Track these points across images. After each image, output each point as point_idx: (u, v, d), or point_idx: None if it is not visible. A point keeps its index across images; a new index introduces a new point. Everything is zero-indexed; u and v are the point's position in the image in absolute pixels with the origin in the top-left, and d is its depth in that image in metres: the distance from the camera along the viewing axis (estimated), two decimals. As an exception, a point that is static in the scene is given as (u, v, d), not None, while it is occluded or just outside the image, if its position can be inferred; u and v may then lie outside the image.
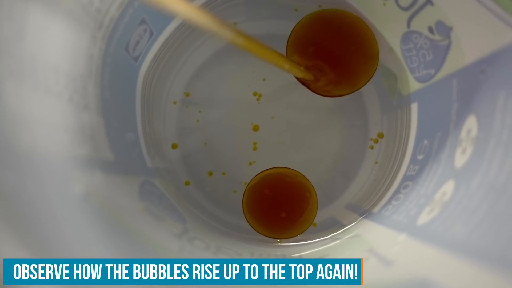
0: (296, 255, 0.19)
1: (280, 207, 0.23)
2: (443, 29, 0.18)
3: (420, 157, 0.20)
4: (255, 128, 0.24)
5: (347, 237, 0.21)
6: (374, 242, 0.17)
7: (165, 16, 0.21)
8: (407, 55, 0.21)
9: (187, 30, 0.23)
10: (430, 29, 0.19)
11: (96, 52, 0.17)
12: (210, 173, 0.24)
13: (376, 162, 0.24)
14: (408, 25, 0.20)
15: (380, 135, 0.24)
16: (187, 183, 0.24)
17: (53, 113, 0.13)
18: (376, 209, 0.21)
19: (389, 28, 0.22)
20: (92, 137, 0.15)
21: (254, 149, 0.24)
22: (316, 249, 0.20)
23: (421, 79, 0.21)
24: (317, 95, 0.24)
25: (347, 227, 0.22)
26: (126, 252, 0.12)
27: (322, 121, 0.24)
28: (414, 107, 0.22)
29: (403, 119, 0.23)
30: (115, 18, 0.17)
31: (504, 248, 0.11)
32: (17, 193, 0.10)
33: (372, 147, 0.24)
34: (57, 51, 0.14)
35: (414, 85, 0.21)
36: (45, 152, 0.12)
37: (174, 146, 0.24)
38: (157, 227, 0.16)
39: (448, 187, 0.16)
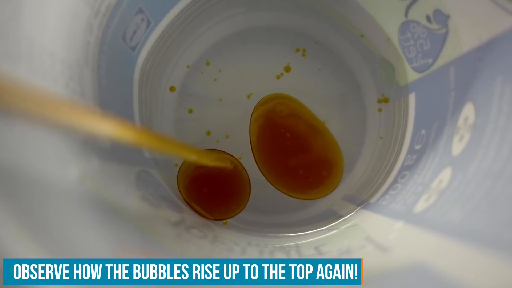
0: (292, 244, 0.19)
1: (208, 184, 0.23)
2: (440, 17, 0.18)
3: (417, 147, 0.20)
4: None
5: (344, 227, 0.21)
6: (371, 230, 0.17)
7: (163, 6, 0.21)
8: (404, 45, 0.21)
9: (185, 20, 0.23)
10: (428, 18, 0.19)
11: (92, 40, 0.17)
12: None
13: (370, 147, 0.24)
14: (406, 14, 0.20)
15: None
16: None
17: (49, 98, 0.13)
18: (373, 199, 0.21)
19: (386, 18, 0.22)
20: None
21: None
22: (313, 239, 0.20)
23: (419, 69, 0.21)
24: (315, 85, 0.24)
25: (344, 217, 0.22)
26: (122, 237, 0.12)
27: (321, 113, 0.24)
28: (412, 97, 0.22)
29: (401, 110, 0.23)
30: (111, 6, 0.17)
31: (500, 231, 0.11)
32: (11, 175, 0.10)
33: (370, 139, 0.24)
34: (53, 36, 0.14)
35: (412, 75, 0.21)
36: (39, 135, 0.12)
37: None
38: (153, 214, 0.16)
39: (445, 174, 0.16)
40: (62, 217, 0.11)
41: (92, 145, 0.15)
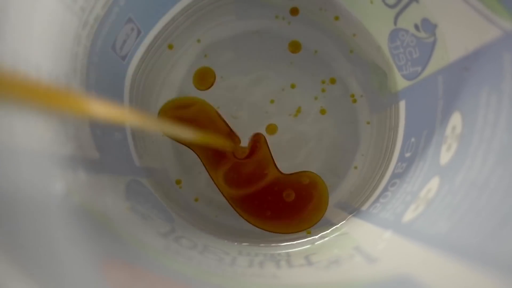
0: (283, 253, 0.19)
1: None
2: (428, 26, 0.18)
3: (407, 155, 0.20)
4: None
5: (335, 235, 0.21)
6: (361, 239, 0.17)
7: (153, 15, 0.21)
8: (394, 53, 0.21)
9: (177, 29, 0.23)
10: (416, 27, 0.19)
11: (81, 51, 0.17)
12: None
13: (362, 154, 0.24)
14: (395, 22, 0.20)
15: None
16: (178, 182, 0.23)
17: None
18: (364, 207, 0.21)
19: (376, 26, 0.22)
20: (76, 135, 0.15)
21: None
22: (304, 247, 0.20)
23: (408, 76, 0.21)
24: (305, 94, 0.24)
25: (336, 225, 0.22)
26: (107, 251, 0.12)
27: (313, 120, 0.24)
28: (402, 105, 0.22)
29: (391, 117, 0.23)
30: (100, 16, 0.17)
31: (484, 243, 0.11)
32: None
33: (362, 145, 0.24)
34: (39, 49, 0.14)
35: (402, 83, 0.21)
36: (23, 150, 0.12)
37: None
38: (142, 226, 0.16)
39: (433, 184, 0.16)
40: (45, 234, 0.11)
41: (80, 158, 0.15)
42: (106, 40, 0.19)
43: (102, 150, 0.17)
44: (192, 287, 0.13)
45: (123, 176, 0.18)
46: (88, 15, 0.16)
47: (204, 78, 0.24)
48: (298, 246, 0.21)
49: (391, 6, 0.20)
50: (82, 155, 0.15)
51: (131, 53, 0.21)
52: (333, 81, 0.24)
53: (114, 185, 0.17)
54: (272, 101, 0.24)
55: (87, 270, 0.11)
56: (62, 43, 0.15)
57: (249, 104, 0.24)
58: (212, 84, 0.24)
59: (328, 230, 0.22)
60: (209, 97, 0.24)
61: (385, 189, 0.21)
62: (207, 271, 0.15)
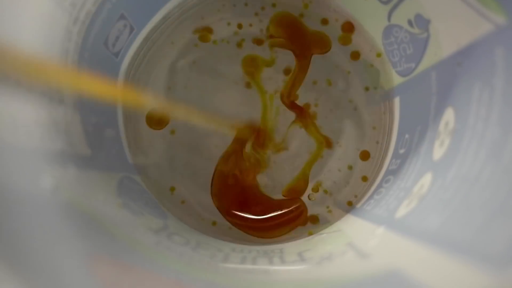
0: (277, 249, 0.19)
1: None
2: (421, 22, 0.18)
3: (401, 151, 0.20)
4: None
5: (329, 232, 0.20)
6: (354, 236, 0.17)
7: (146, 12, 0.21)
8: (389, 49, 0.21)
9: (170, 25, 0.23)
10: (410, 22, 0.19)
11: (71, 47, 0.16)
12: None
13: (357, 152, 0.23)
14: (389, 19, 0.20)
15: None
16: (171, 184, 0.23)
17: (23, 107, 0.13)
18: (359, 204, 0.21)
19: (371, 22, 0.22)
20: (67, 132, 0.15)
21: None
22: (298, 244, 0.20)
23: (402, 73, 0.21)
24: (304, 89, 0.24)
25: (331, 223, 0.22)
26: (96, 247, 0.12)
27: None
28: (397, 101, 0.22)
29: (386, 114, 0.23)
30: (91, 13, 0.17)
31: (475, 238, 0.11)
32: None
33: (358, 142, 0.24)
34: (27, 45, 0.14)
35: (396, 79, 0.21)
36: (11, 145, 0.11)
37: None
38: (133, 222, 0.16)
39: (426, 179, 0.16)
40: (32, 230, 0.11)
41: (70, 154, 0.15)
42: (98, 37, 0.18)
43: (94, 147, 0.17)
44: (182, 283, 0.13)
45: (115, 172, 0.18)
46: (79, 11, 0.16)
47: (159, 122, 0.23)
48: (292, 242, 0.21)
49: (385, 2, 0.20)
50: (72, 152, 0.15)
51: (124, 50, 0.21)
52: (328, 80, 0.24)
53: (106, 182, 0.17)
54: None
55: (75, 267, 0.11)
56: (52, 39, 0.15)
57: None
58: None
59: (323, 227, 0.22)
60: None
61: (379, 186, 0.20)
62: (198, 267, 0.15)
